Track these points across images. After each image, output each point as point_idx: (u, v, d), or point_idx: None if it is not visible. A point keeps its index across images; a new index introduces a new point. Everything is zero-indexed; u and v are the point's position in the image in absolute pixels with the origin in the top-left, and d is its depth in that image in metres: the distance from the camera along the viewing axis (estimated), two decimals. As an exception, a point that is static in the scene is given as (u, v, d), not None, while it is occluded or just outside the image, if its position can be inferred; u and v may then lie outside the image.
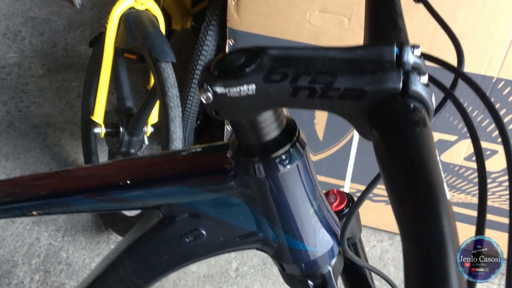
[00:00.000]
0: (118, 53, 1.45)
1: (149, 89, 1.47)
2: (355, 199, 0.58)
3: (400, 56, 0.36)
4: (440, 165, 0.31)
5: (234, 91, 0.38)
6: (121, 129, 1.46)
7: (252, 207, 0.50)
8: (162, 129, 1.30)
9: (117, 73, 1.47)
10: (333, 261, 0.53)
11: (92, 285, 0.62)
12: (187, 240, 0.54)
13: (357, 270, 0.63)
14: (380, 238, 1.56)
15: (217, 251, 0.56)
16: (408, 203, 0.29)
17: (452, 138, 1.27)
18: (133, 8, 1.38)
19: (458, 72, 0.39)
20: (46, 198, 0.58)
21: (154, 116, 1.48)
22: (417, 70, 0.35)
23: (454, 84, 0.41)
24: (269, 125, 0.43)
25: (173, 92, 1.27)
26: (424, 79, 0.35)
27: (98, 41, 1.52)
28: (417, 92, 0.34)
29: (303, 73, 0.36)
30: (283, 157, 0.45)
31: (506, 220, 1.36)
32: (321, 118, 1.32)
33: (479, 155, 0.34)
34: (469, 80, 0.37)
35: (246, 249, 0.55)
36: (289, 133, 0.45)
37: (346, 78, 0.35)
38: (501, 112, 1.20)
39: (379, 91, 0.34)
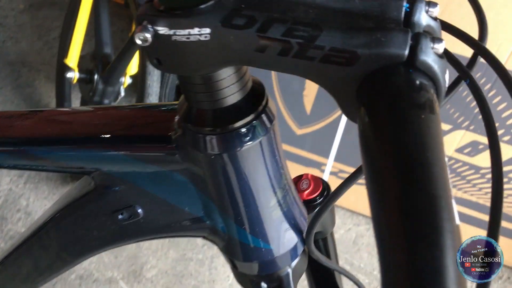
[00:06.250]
0: (101, -8, 1.33)
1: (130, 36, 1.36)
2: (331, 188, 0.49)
3: (410, 13, 0.27)
4: (448, 169, 0.22)
5: (181, 34, 0.29)
6: (95, 76, 1.35)
7: (200, 188, 0.41)
8: (138, 82, 1.20)
9: (98, 14, 1.36)
10: (295, 262, 0.45)
11: (16, 251, 0.53)
12: (120, 217, 0.45)
13: (324, 268, 0.55)
14: (357, 221, 1.50)
15: (156, 234, 0.47)
16: (397, 223, 0.20)
17: (446, 127, 1.18)
18: None
19: (479, 47, 0.30)
20: None
21: (134, 67, 1.37)
22: (431, 35, 0.26)
23: (472, 62, 0.32)
24: (228, 86, 0.34)
25: (154, 42, 1.16)
26: (439, 47, 0.26)
27: (81, -23, 1.39)
28: (427, 64, 0.26)
29: (276, 20, 0.28)
30: (244, 130, 0.35)
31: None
32: (311, 89, 1.23)
33: (495, 151, 0.25)
34: (492, 59, 0.28)
35: (190, 236, 0.46)
36: (254, 100, 0.36)
37: (334, 34, 0.27)
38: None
39: (376, 57, 0.26)
